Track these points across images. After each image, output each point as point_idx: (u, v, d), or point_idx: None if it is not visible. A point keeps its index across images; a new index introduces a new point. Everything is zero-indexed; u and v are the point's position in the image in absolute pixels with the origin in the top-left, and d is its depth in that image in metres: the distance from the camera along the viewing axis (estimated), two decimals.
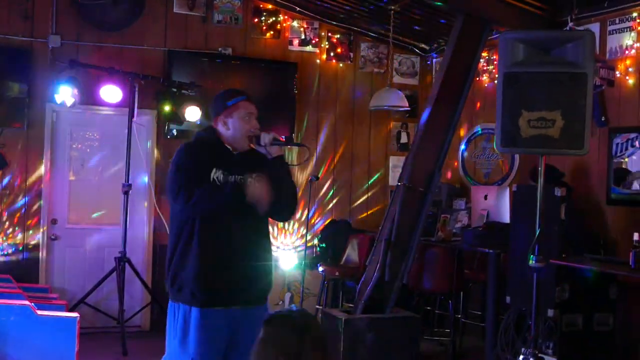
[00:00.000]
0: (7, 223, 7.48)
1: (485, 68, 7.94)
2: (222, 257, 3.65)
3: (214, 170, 3.65)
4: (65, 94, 7.17)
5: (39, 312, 5.50)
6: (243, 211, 3.62)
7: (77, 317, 5.65)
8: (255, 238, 3.76)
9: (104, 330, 7.37)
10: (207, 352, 3.65)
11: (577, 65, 4.48)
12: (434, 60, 8.84)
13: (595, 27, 6.51)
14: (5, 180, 7.47)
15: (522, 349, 5.02)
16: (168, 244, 3.81)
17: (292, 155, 8.06)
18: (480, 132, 8.07)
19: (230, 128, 3.75)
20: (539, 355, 4.89)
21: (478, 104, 8.07)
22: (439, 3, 6.69)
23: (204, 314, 3.64)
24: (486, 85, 7.91)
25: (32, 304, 5.57)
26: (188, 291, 3.66)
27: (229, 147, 3.78)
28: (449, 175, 8.47)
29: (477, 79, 7.95)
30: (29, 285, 6.83)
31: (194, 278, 3.63)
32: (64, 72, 7.31)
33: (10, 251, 7.47)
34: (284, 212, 3.88)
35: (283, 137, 3.74)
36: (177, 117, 7.62)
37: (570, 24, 6.60)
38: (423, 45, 8.89)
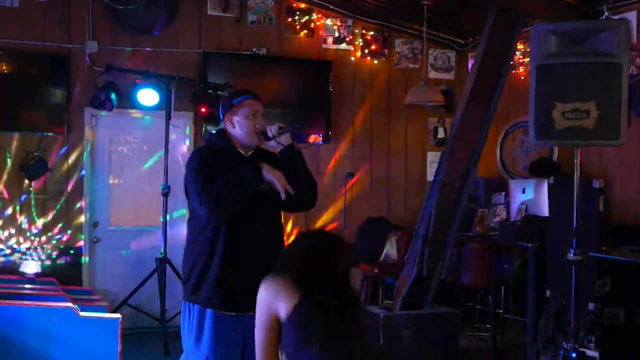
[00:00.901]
0: (50, 227, 7.60)
1: (521, 60, 7.87)
2: (244, 263, 3.64)
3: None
4: (103, 98, 7.29)
5: (82, 313, 5.57)
6: (264, 211, 3.65)
7: (119, 318, 5.70)
8: (275, 243, 3.74)
9: (146, 330, 7.45)
10: (221, 354, 3.65)
11: (611, 55, 4.42)
12: (470, 54, 8.78)
13: (632, 16, 6.42)
14: (47, 185, 7.59)
15: (563, 344, 4.98)
16: (186, 242, 3.86)
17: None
18: (517, 125, 8.00)
19: (236, 127, 3.75)
20: (580, 349, 4.84)
21: (515, 97, 8.00)
22: None
23: (217, 317, 3.64)
24: (523, 77, 7.83)
25: (75, 305, 5.65)
26: (205, 294, 3.66)
27: (240, 150, 3.78)
28: (486, 169, 8.41)
29: (514, 71, 7.89)
30: (72, 288, 6.93)
31: (213, 282, 3.64)
32: (101, 77, 7.43)
33: (54, 255, 7.60)
34: (305, 201, 3.78)
35: (295, 125, 3.67)
36: (213, 118, 7.68)
37: (606, 13, 6.51)
38: (459, 40, 8.85)
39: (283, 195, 3.60)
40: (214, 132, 3.98)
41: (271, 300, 2.73)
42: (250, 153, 3.80)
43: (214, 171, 3.61)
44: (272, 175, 3.58)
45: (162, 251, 7.15)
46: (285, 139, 3.72)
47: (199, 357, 3.68)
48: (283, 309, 2.70)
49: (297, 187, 3.64)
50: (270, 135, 3.72)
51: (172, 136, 7.49)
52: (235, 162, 3.70)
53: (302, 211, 3.88)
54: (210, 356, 3.65)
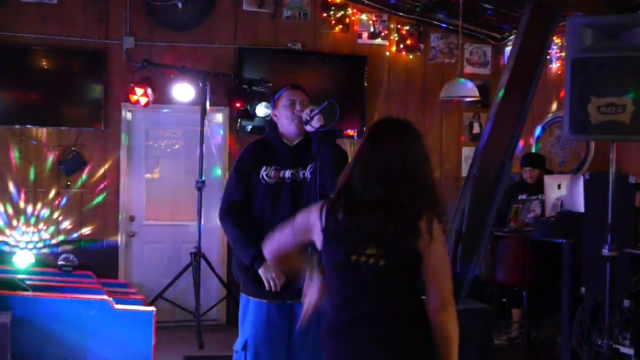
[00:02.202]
0: (87, 221, 7.71)
1: (558, 55, 7.78)
2: None
3: (264, 167, 3.83)
4: (139, 93, 7.37)
5: (117, 306, 5.65)
6: (301, 205, 3.66)
7: (153, 311, 5.77)
8: None
9: (181, 324, 7.53)
10: (261, 338, 3.80)
11: None
12: (506, 49, 8.71)
13: None
14: (85, 179, 7.70)
15: (598, 341, 4.93)
16: None
17: None
18: (554, 120, 7.92)
19: (279, 118, 3.95)
20: (615, 346, 4.79)
21: (552, 92, 7.92)
22: None
23: (255, 305, 3.83)
24: (560, 72, 7.75)
25: (111, 298, 5.73)
26: (242, 283, 3.91)
27: (286, 141, 3.93)
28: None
29: (550, 65, 7.81)
30: (108, 281, 7.04)
31: (242, 271, 3.86)
32: (138, 72, 7.50)
33: (91, 248, 7.71)
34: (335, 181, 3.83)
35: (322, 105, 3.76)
36: (249, 113, 7.71)
37: None
38: (495, 34, 8.77)
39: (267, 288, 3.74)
40: (268, 126, 4.19)
41: (308, 228, 2.78)
42: (295, 142, 3.93)
43: (251, 172, 3.83)
44: (262, 274, 3.72)
45: (197, 245, 7.20)
46: (317, 122, 3.79)
47: (243, 338, 3.87)
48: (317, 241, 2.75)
49: (328, 166, 3.68)
50: (304, 120, 3.82)
51: (207, 131, 7.54)
52: (279, 154, 3.88)
53: None
54: (250, 339, 3.82)
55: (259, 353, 3.80)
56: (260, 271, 3.72)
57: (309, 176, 3.81)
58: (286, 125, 3.91)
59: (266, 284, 3.72)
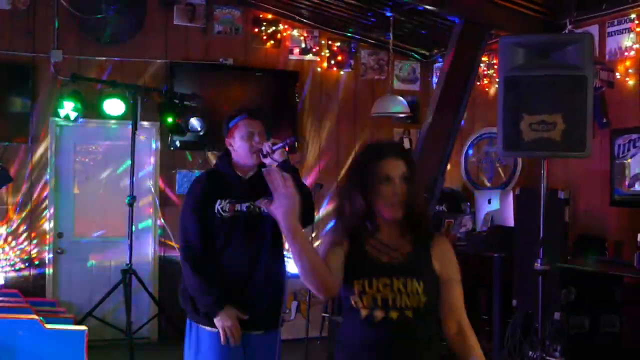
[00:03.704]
0: (13, 238, 7.51)
1: (485, 72, 7.96)
2: (233, 283, 3.69)
3: (218, 201, 3.71)
4: (68, 108, 7.22)
5: (48, 326, 5.51)
6: (256, 238, 3.72)
7: (85, 330, 5.65)
8: (270, 263, 3.78)
9: (112, 342, 7.37)
10: None
11: (577, 68, 4.51)
12: (435, 65, 8.87)
13: (594, 29, 6.53)
14: (10, 196, 7.50)
15: (530, 352, 5.03)
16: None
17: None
18: (482, 136, 8.08)
19: (235, 149, 3.82)
20: (546, 357, 4.90)
21: (480, 108, 8.08)
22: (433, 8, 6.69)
23: (213, 336, 3.69)
24: (487, 89, 7.92)
25: (40, 318, 5.59)
26: (190, 311, 3.78)
27: (239, 172, 3.82)
28: (452, 179, 8.47)
29: (478, 83, 7.98)
30: (36, 299, 6.85)
31: (193, 300, 3.73)
32: (66, 86, 7.35)
33: (17, 266, 7.51)
34: (304, 218, 3.82)
35: (285, 141, 3.73)
36: (180, 128, 7.64)
37: (569, 27, 6.62)
38: (423, 51, 8.92)
39: (223, 341, 3.64)
40: (219, 155, 4.02)
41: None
42: (250, 174, 3.82)
43: (206, 206, 3.70)
44: (218, 323, 3.62)
45: (128, 262, 7.07)
46: (279, 155, 3.73)
47: None
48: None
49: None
50: (264, 153, 3.73)
51: (138, 146, 7.42)
52: (233, 187, 3.76)
53: (305, 227, 3.88)
54: None
55: None
56: (217, 320, 3.61)
57: (264, 209, 3.61)
58: (243, 156, 3.78)
59: (222, 335, 3.60)
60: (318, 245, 2.80)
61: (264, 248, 3.75)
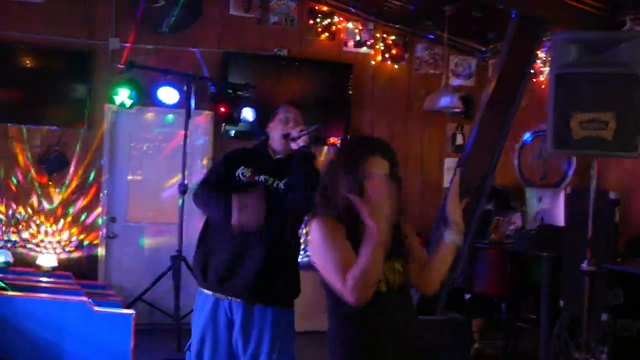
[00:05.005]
0: (68, 221, 7.67)
1: (542, 69, 7.84)
2: (235, 247, 3.92)
3: (242, 166, 3.97)
4: (123, 95, 7.35)
5: (96, 308, 5.62)
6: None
7: (133, 313, 5.74)
8: (277, 239, 3.93)
9: (160, 327, 7.49)
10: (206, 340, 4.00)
11: (631, 66, 4.41)
12: (491, 61, 8.76)
13: None
14: (66, 180, 7.66)
15: (576, 354, 4.97)
16: None
17: None
18: (537, 133, 7.97)
19: (272, 131, 4.09)
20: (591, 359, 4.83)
21: (535, 105, 7.97)
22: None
23: (208, 297, 4.01)
24: (543, 86, 7.80)
25: (90, 300, 5.70)
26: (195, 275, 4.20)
27: (271, 152, 4.06)
28: (504, 177, 8.38)
29: (534, 79, 7.87)
30: (87, 282, 7.00)
31: (195, 264, 4.14)
32: (122, 74, 7.48)
33: (71, 249, 7.67)
34: (302, 205, 3.89)
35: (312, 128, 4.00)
36: (233, 118, 7.71)
37: (629, 24, 6.47)
38: (480, 47, 8.82)
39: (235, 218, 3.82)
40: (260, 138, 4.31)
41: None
42: (278, 157, 4.05)
43: (229, 169, 3.99)
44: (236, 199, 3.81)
45: (178, 248, 7.18)
46: (302, 141, 3.93)
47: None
48: None
49: (299, 187, 3.84)
50: (292, 136, 3.96)
51: (191, 134, 7.52)
52: (260, 161, 4.02)
53: (302, 214, 3.99)
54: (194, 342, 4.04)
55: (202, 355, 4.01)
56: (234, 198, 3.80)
57: (282, 187, 3.92)
58: (276, 139, 4.03)
59: (236, 210, 3.77)
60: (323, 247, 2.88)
61: (273, 224, 3.88)
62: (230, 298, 3.91)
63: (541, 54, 7.60)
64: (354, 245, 2.75)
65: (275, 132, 4.05)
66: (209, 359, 3.96)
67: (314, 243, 2.85)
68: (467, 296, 7.02)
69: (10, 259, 7.23)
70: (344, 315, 2.85)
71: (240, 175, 3.95)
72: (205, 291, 4.00)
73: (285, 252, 3.99)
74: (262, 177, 3.94)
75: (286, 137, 3.98)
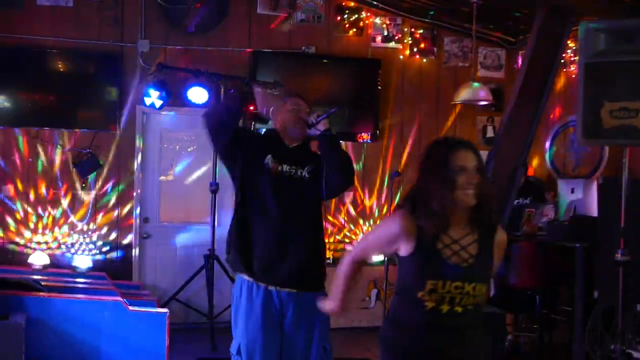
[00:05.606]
0: (101, 222, 7.76)
1: (572, 59, 7.76)
2: (260, 238, 3.97)
3: (269, 156, 3.99)
4: (154, 96, 7.42)
5: (131, 308, 5.69)
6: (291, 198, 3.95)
7: (167, 312, 5.81)
8: (304, 227, 4.01)
9: (194, 325, 7.56)
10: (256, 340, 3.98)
11: None
12: (520, 52, 8.69)
13: None
14: (99, 182, 7.75)
15: (611, 345, 4.92)
16: None
17: None
18: (568, 124, 7.91)
19: (280, 122, 4.13)
20: (627, 350, 4.78)
21: (566, 95, 7.90)
22: None
23: (246, 285, 4.01)
24: (574, 76, 7.72)
25: (125, 300, 5.77)
26: (233, 265, 4.21)
27: (286, 141, 4.09)
28: (536, 168, 8.32)
29: (565, 70, 7.79)
30: (122, 282, 7.08)
31: (234, 252, 4.10)
32: (152, 75, 7.55)
33: (105, 250, 7.76)
34: (342, 181, 4.01)
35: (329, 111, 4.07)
36: (261, 116, 7.70)
37: None
38: (509, 38, 8.75)
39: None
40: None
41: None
42: (294, 145, 4.08)
43: (253, 144, 4.09)
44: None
45: (211, 247, 7.24)
46: (322, 125, 3.97)
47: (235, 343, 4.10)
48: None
49: (333, 167, 3.91)
50: (309, 123, 4.00)
51: None
52: (279, 149, 4.05)
53: (341, 191, 4.19)
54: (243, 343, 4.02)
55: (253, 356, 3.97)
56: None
57: (307, 175, 3.98)
58: (290, 128, 4.07)
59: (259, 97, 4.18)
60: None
61: (306, 211, 3.99)
62: (277, 288, 3.93)
63: (572, 44, 7.52)
64: (423, 238, 2.85)
65: (288, 122, 4.07)
66: (260, 355, 3.96)
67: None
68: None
69: (47, 261, 7.34)
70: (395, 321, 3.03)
71: (269, 164, 3.98)
72: (250, 279, 3.98)
73: (322, 239, 4.12)
74: (285, 168, 3.99)
75: (306, 124, 4.00)
